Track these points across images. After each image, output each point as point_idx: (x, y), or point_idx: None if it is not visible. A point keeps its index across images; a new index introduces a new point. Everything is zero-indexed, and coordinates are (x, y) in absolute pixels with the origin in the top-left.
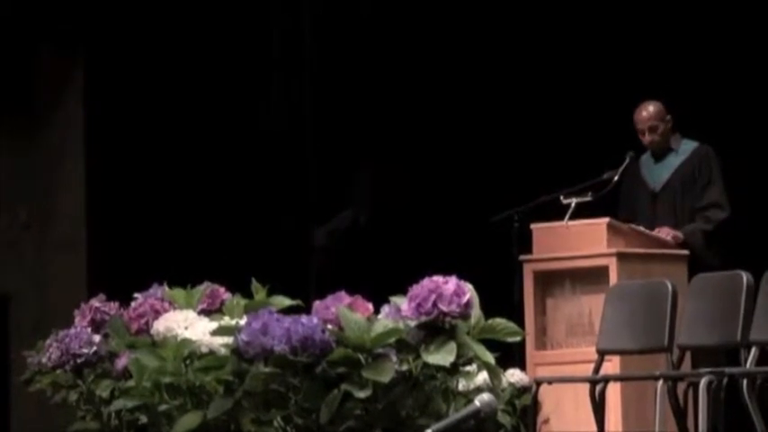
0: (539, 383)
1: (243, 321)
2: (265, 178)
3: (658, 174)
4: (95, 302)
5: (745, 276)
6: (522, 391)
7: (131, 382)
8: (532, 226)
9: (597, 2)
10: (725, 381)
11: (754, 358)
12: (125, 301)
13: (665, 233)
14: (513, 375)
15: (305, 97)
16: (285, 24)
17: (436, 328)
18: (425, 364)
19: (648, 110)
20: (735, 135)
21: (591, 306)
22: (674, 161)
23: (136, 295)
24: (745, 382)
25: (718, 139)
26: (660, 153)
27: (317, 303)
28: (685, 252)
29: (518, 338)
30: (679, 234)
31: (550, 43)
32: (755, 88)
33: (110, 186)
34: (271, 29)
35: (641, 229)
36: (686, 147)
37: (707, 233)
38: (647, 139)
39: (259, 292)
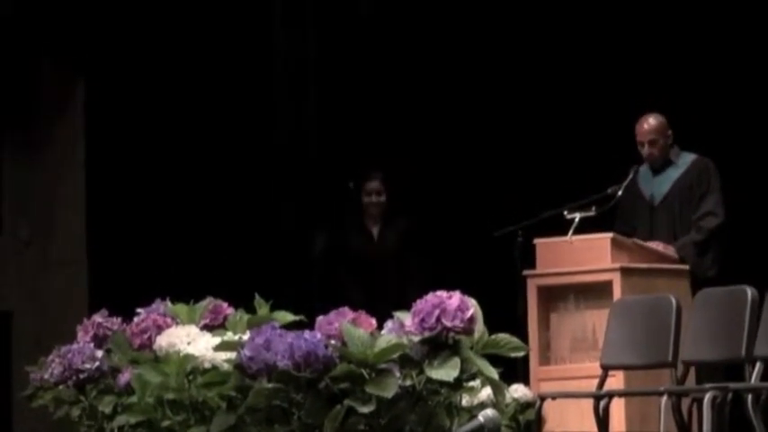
0: (542, 399)
1: (246, 337)
2: (267, 192)
3: (657, 187)
4: (98, 318)
5: (749, 291)
6: (525, 406)
7: (134, 398)
8: (536, 241)
9: (600, 16)
10: (729, 396)
11: (758, 373)
12: (127, 316)
13: (654, 246)
14: (517, 391)
15: (308, 112)
16: (289, 37)
17: (440, 344)
18: (429, 380)
19: (650, 123)
20: (735, 147)
21: (595, 321)
22: (672, 174)
23: (138, 310)
24: (749, 397)
25: (719, 152)
26: (659, 166)
27: (320, 319)
28: (688, 267)
29: (522, 354)
30: (671, 249)
31: (554, 56)
32: (755, 100)
33: (111, 202)
34: (274, 41)
35: (645, 244)
36: (685, 159)
37: (698, 243)
38: (645, 151)
39: (262, 308)
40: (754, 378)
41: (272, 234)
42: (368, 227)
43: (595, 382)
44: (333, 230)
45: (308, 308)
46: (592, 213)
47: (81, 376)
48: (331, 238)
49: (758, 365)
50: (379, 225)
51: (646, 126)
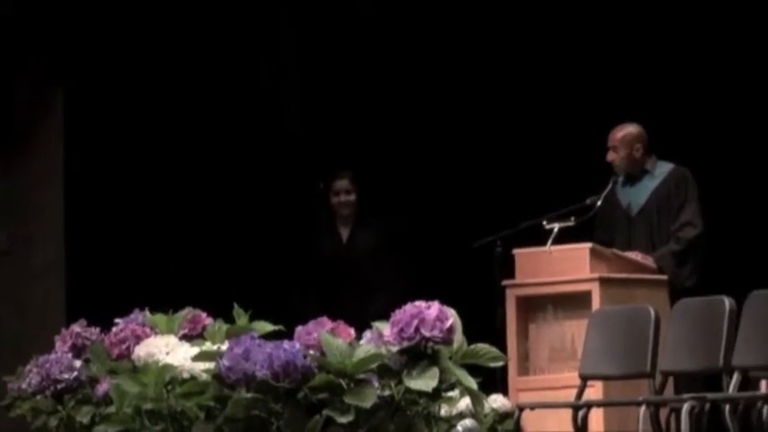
0: (521, 409)
1: (224, 347)
2: (246, 203)
3: (635, 197)
4: (76, 328)
5: (727, 301)
6: (504, 416)
7: (112, 408)
8: (515, 251)
9: (580, 27)
10: (707, 406)
11: (736, 383)
12: (106, 326)
13: (634, 256)
14: (496, 401)
15: (289, 125)
16: (269, 54)
17: (418, 354)
18: (408, 390)
19: (617, 131)
20: (712, 156)
21: (573, 331)
22: (649, 184)
23: (117, 321)
24: (727, 407)
25: (696, 161)
26: (635, 176)
27: (299, 329)
28: (666, 277)
29: (501, 364)
30: (650, 260)
31: (534, 66)
32: (732, 109)
33: (90, 211)
34: (256, 57)
35: (624, 254)
36: (662, 169)
37: (676, 254)
38: (609, 157)
39: (241, 318)
40: (732, 388)
41: (252, 243)
42: (337, 229)
43: (574, 392)
44: (301, 234)
45: (287, 318)
46: (571, 223)
47: (59, 386)
48: (299, 242)
49: (736, 375)
50: (350, 226)
51: (613, 133)
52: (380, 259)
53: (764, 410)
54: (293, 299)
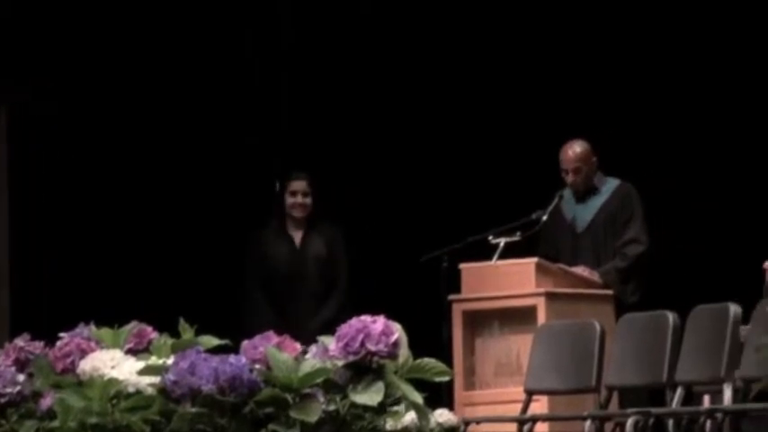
0: (467, 423)
1: (170, 361)
2: (192, 214)
3: (581, 214)
4: (20, 342)
5: (671, 316)
6: (450, 431)
7: (56, 423)
8: (461, 266)
9: (525, 42)
10: (651, 421)
11: (680, 398)
12: (50, 340)
13: (580, 272)
14: (442, 415)
15: (241, 142)
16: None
17: (364, 368)
18: (353, 404)
19: (575, 150)
20: (655, 172)
21: (519, 346)
22: (596, 201)
23: (61, 335)
24: (671, 422)
25: (639, 177)
26: (583, 193)
27: (245, 343)
28: (612, 292)
29: (446, 378)
30: (596, 275)
31: (477, 82)
32: (676, 125)
33: (34, 226)
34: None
35: (570, 269)
36: (608, 186)
37: (621, 270)
38: (569, 179)
39: (186, 332)
40: (676, 403)
41: (197, 257)
42: (288, 232)
43: (519, 406)
44: (252, 239)
45: (233, 332)
46: (517, 238)
47: (2, 400)
48: (250, 247)
49: (679, 390)
50: (303, 230)
51: (570, 153)
52: (332, 266)
53: (707, 425)
54: (245, 306)
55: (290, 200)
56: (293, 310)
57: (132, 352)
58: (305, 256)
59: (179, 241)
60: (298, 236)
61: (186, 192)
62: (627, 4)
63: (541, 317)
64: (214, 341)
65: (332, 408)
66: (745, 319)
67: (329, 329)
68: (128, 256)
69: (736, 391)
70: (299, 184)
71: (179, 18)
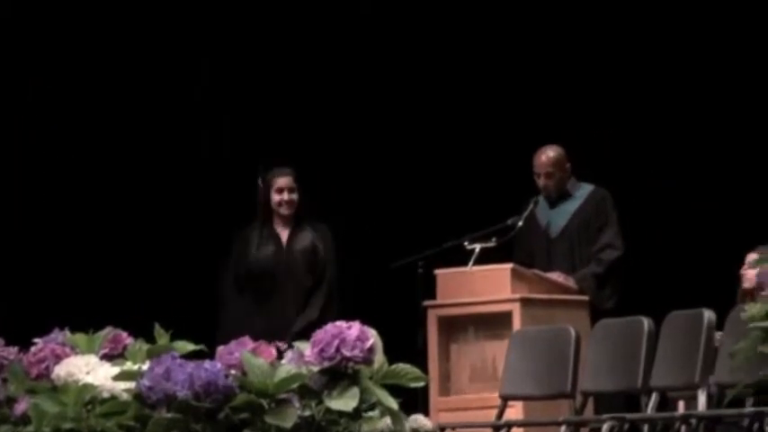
0: (442, 429)
1: (145, 366)
2: (169, 219)
3: (555, 220)
4: None
5: (645, 322)
6: None
7: (30, 428)
8: (436, 271)
9: (500, 47)
10: (626, 426)
11: (654, 404)
12: (24, 346)
13: (555, 277)
14: (417, 421)
15: (203, 151)
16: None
17: (339, 374)
18: (328, 410)
19: (548, 155)
20: (629, 177)
21: (495, 352)
22: (570, 207)
23: (36, 340)
24: (646, 427)
25: (614, 182)
26: (556, 198)
27: (220, 348)
28: (587, 298)
29: (421, 384)
30: (571, 281)
31: (453, 89)
32: (650, 131)
33: (5, 231)
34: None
35: (545, 274)
36: (582, 191)
37: (598, 276)
38: (541, 183)
39: (161, 337)
40: (650, 408)
41: (174, 263)
42: (276, 230)
43: (495, 412)
44: (239, 238)
45: (208, 337)
46: (492, 244)
47: None
48: (236, 246)
49: (654, 396)
50: (289, 228)
51: (543, 158)
52: (319, 265)
53: (682, 430)
54: (228, 308)
55: (275, 197)
56: (280, 310)
57: (107, 357)
58: (292, 255)
59: (154, 246)
60: (284, 234)
61: (160, 196)
62: (606, 8)
63: (517, 323)
64: (189, 346)
65: (307, 413)
66: (720, 324)
67: (313, 330)
68: (103, 262)
69: (710, 397)
70: (284, 181)
71: (166, 16)
